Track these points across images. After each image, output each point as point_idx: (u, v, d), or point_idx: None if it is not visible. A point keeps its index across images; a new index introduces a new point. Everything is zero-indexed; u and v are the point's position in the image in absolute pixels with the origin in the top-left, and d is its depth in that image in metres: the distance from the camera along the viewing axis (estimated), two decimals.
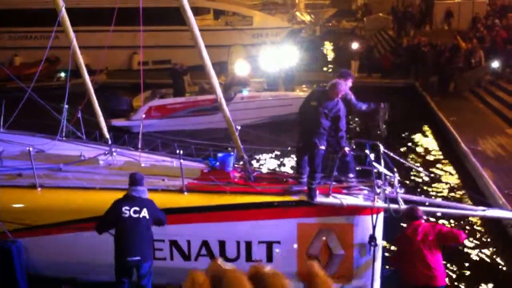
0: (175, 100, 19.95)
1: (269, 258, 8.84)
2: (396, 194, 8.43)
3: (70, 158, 10.34)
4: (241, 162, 9.46)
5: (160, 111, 19.35)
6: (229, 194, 8.84)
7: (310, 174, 8.55)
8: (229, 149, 10.02)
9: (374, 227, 8.36)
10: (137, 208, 7.94)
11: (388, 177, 8.47)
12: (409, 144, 18.59)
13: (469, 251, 10.99)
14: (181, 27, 25.78)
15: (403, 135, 19.35)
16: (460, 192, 14.19)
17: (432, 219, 10.84)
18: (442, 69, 23.93)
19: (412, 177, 14.76)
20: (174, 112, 19.49)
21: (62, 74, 26.25)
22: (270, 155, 16.87)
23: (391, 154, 8.53)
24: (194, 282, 5.67)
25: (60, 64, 26.82)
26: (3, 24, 31.42)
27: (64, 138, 11.36)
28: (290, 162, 16.18)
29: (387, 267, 9.15)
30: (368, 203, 8.44)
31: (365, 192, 8.76)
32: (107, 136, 11.14)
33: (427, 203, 9.05)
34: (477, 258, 10.81)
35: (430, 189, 14.25)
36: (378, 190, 8.40)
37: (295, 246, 8.77)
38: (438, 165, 16.48)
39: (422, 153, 17.77)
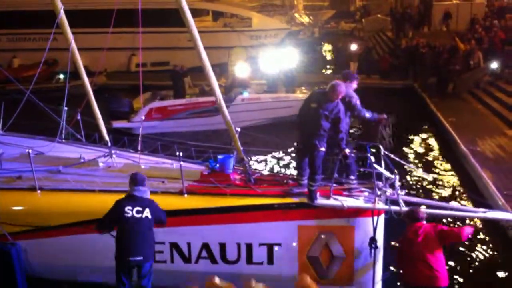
0: (176, 102, 19.94)
1: (270, 261, 8.84)
2: (397, 195, 8.40)
3: (70, 160, 10.33)
4: (241, 164, 9.42)
5: (161, 113, 19.34)
6: (229, 196, 8.81)
7: (311, 176, 8.52)
8: (231, 151, 9.98)
9: (375, 229, 8.33)
10: (139, 208, 7.94)
11: (389, 178, 8.45)
12: (408, 145, 18.57)
13: (469, 252, 10.97)
14: (179, 29, 25.90)
15: (402, 136, 19.32)
16: (460, 193, 14.17)
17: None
18: (440, 70, 23.94)
19: (412, 179, 14.75)
20: (175, 114, 19.47)
21: (61, 76, 26.23)
22: (270, 157, 16.85)
23: (392, 155, 8.51)
24: None
25: (58, 66, 26.82)
26: (1, 25, 31.36)
27: (63, 140, 11.35)
28: (290, 164, 16.18)
29: (392, 269, 9.09)
30: (369, 205, 8.41)
31: (366, 194, 8.72)
32: (107, 138, 11.12)
33: (428, 205, 9.03)
34: (477, 260, 10.80)
35: (429, 190, 14.23)
36: (379, 192, 8.37)
37: (296, 248, 8.74)
38: (437, 166, 16.47)
39: (421, 154, 17.76)
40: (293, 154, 15.08)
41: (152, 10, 26.38)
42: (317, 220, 8.65)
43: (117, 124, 18.15)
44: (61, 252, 9.09)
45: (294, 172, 10.25)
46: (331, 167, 8.63)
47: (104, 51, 14.31)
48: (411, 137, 19.57)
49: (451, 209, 9.10)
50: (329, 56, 41.46)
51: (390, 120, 9.09)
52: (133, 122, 18.23)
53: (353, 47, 29.65)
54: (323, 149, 8.39)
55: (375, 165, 8.28)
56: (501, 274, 10.30)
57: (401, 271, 8.31)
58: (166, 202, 8.69)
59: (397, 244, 8.62)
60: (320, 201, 8.50)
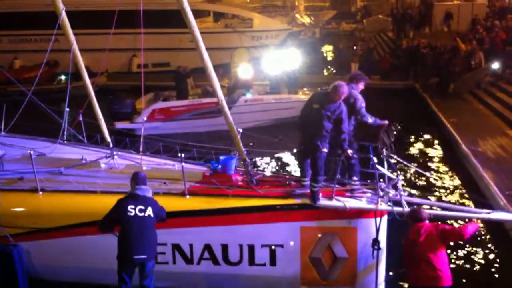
0: (179, 103, 19.91)
1: (272, 262, 8.81)
2: (399, 197, 8.38)
3: (72, 161, 10.32)
4: (243, 165, 9.40)
5: (164, 114, 19.32)
6: (231, 198, 8.78)
7: (313, 177, 8.50)
8: (232, 152, 9.96)
9: (377, 231, 8.31)
10: (142, 207, 7.93)
11: (391, 179, 8.43)
12: (410, 146, 18.56)
13: (471, 252, 10.97)
14: (180, 30, 25.91)
15: (403, 137, 19.30)
16: (461, 194, 14.16)
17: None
18: (441, 70, 23.92)
19: (414, 179, 14.73)
20: (178, 115, 19.45)
21: (63, 77, 26.21)
22: (272, 158, 16.84)
23: (394, 156, 8.50)
24: None
25: (59, 67, 26.82)
26: (2, 27, 31.37)
27: (65, 142, 11.35)
28: (292, 165, 16.16)
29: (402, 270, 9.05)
30: (372, 206, 8.38)
31: (369, 195, 8.71)
32: (109, 139, 11.11)
33: (431, 206, 9.01)
34: (479, 259, 10.78)
35: (430, 191, 14.21)
36: (381, 193, 8.36)
37: (298, 249, 8.71)
38: (439, 167, 16.46)
39: (423, 155, 17.74)
40: (295, 155, 15.05)
41: (153, 11, 26.38)
42: (320, 221, 8.62)
43: (120, 125, 18.13)
44: (63, 253, 9.07)
45: (297, 173, 10.24)
46: (334, 168, 8.61)
47: (106, 52, 14.30)
48: (412, 137, 19.55)
49: (455, 210, 9.06)
50: (330, 57, 41.43)
51: (393, 127, 9.05)
52: (136, 123, 18.20)
53: (354, 47, 29.66)
54: (325, 150, 8.36)
55: (378, 166, 8.26)
56: (503, 274, 10.28)
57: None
58: (168, 203, 8.65)
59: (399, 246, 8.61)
60: (323, 202, 8.48)
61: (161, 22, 27.87)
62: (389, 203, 8.38)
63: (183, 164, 8.83)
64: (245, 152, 9.32)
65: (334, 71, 32.76)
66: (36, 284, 9.23)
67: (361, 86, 9.23)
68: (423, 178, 14.75)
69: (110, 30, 11.20)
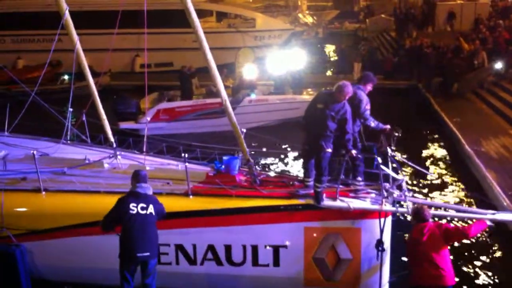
0: (184, 103, 19.90)
1: (276, 263, 8.79)
2: (404, 197, 8.35)
3: (75, 161, 10.33)
4: (247, 165, 9.38)
5: (168, 114, 19.31)
6: (234, 198, 8.75)
7: (317, 178, 8.46)
8: (236, 152, 9.94)
9: (381, 231, 8.27)
10: (144, 205, 7.95)
11: (396, 180, 8.40)
12: (412, 145, 18.49)
13: (473, 253, 10.95)
14: (183, 30, 25.89)
15: (406, 136, 19.25)
16: (464, 194, 14.13)
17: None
18: (444, 70, 23.88)
19: (416, 179, 14.69)
20: (182, 115, 19.44)
21: (66, 77, 26.25)
22: (276, 158, 16.82)
23: (399, 157, 8.46)
24: None
25: (62, 67, 26.85)
26: (6, 27, 31.41)
27: (68, 142, 11.34)
28: (296, 165, 16.14)
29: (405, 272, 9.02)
30: (376, 207, 8.35)
31: (373, 195, 8.67)
32: (112, 139, 11.11)
33: (436, 206, 8.97)
34: (481, 260, 10.75)
35: (433, 191, 14.18)
36: (386, 194, 8.33)
37: (302, 250, 8.68)
38: (442, 167, 16.44)
39: (426, 155, 17.71)
40: (299, 156, 15.03)
41: (156, 11, 26.37)
42: (323, 221, 8.59)
43: (125, 125, 18.14)
44: (66, 253, 9.06)
45: (300, 174, 10.21)
46: (338, 168, 8.57)
47: (109, 52, 14.32)
48: (415, 137, 19.51)
49: (460, 210, 9.05)
50: (333, 57, 41.38)
51: (395, 132, 9.01)
52: (140, 123, 18.21)
53: (357, 47, 29.62)
54: (329, 150, 8.33)
55: (382, 167, 8.22)
56: (506, 274, 10.26)
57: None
58: (171, 204, 8.66)
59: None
60: (327, 202, 8.44)
61: (163, 22, 27.84)
62: (393, 204, 8.36)
63: (187, 164, 8.81)
64: (249, 152, 9.30)
65: (336, 72, 32.68)
66: (39, 285, 9.22)
67: (369, 87, 9.19)
68: (426, 178, 14.71)
69: (114, 30, 11.20)
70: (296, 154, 16.39)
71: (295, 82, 22.74)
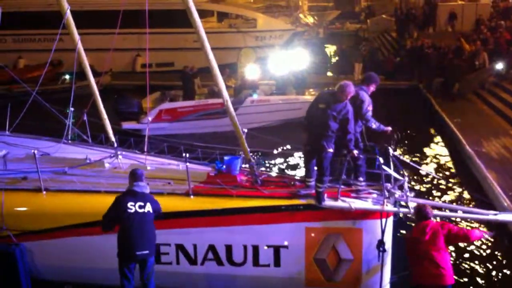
0: (186, 104, 19.88)
1: (277, 263, 8.77)
2: (406, 197, 8.34)
3: (76, 161, 10.31)
4: (248, 165, 9.36)
5: (170, 114, 19.29)
6: (235, 198, 8.74)
7: (318, 178, 8.46)
8: (238, 152, 9.92)
9: (383, 232, 8.27)
10: (141, 203, 8.00)
11: (397, 180, 8.39)
12: (413, 146, 18.50)
13: (473, 253, 10.94)
14: (184, 30, 25.88)
15: (407, 137, 19.27)
16: (465, 194, 14.11)
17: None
18: (445, 71, 23.87)
19: (417, 180, 14.67)
20: (184, 116, 19.41)
21: (67, 77, 26.26)
22: (277, 158, 16.81)
23: (400, 157, 8.45)
24: None
25: (63, 67, 26.86)
26: (7, 26, 31.35)
27: (69, 141, 11.33)
28: (297, 165, 16.12)
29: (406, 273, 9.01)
30: (377, 207, 8.34)
31: (374, 195, 8.66)
32: (113, 139, 11.10)
33: (438, 207, 8.95)
34: (481, 260, 10.74)
35: (433, 191, 14.17)
36: (387, 194, 8.32)
37: (303, 250, 8.67)
38: (442, 167, 16.44)
39: (426, 155, 17.70)
40: (301, 156, 15.03)
41: (157, 11, 26.37)
42: (325, 222, 8.58)
43: (127, 125, 18.13)
44: (66, 253, 9.05)
45: (302, 174, 10.19)
46: (339, 168, 8.56)
47: (111, 52, 14.31)
48: (415, 137, 19.51)
49: (462, 211, 9.03)
50: (334, 57, 41.37)
51: (395, 135, 9.00)
52: (142, 123, 18.19)
53: (358, 48, 29.61)
54: (331, 150, 8.32)
55: (384, 167, 8.21)
56: (505, 274, 10.26)
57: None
58: (172, 204, 8.67)
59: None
60: (328, 202, 8.44)
61: (165, 22, 27.87)
62: (395, 204, 8.35)
63: (188, 164, 8.80)
64: (250, 152, 9.29)
65: (337, 72, 32.66)
66: (39, 284, 9.20)
67: (372, 88, 9.15)
68: (426, 179, 14.70)
69: (115, 30, 11.19)
70: (298, 154, 16.38)
71: (298, 82, 22.71)
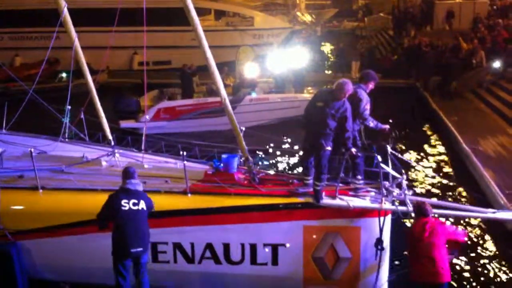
0: (184, 102, 19.84)
1: (274, 261, 8.76)
2: (404, 196, 8.33)
3: (73, 159, 10.27)
4: (246, 164, 9.34)
5: (169, 113, 19.25)
6: (233, 196, 8.73)
7: (316, 176, 8.43)
8: (237, 151, 9.90)
9: (381, 230, 8.26)
10: (135, 201, 8.01)
11: (396, 178, 8.37)
12: (411, 144, 18.50)
13: (471, 252, 10.95)
14: (182, 28, 25.81)
15: (404, 135, 19.27)
16: (461, 192, 14.11)
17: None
18: (443, 69, 23.88)
19: (414, 178, 14.68)
20: (183, 114, 19.37)
21: (64, 75, 26.20)
22: (275, 156, 16.79)
23: (399, 155, 8.43)
24: None
25: (60, 65, 26.78)
26: (3, 24, 31.31)
27: (66, 140, 11.28)
28: (296, 163, 16.11)
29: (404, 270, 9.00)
30: (376, 205, 8.33)
31: (372, 194, 8.65)
32: (110, 137, 11.07)
33: (437, 205, 8.94)
34: (479, 259, 10.75)
35: (431, 189, 14.18)
36: (385, 192, 8.30)
37: (301, 249, 8.66)
38: (439, 165, 16.45)
39: (424, 153, 17.70)
40: (299, 154, 15.02)
41: (154, 9, 26.28)
42: (323, 220, 8.56)
43: (125, 124, 18.09)
44: (63, 252, 9.02)
45: (300, 172, 10.17)
46: (337, 166, 8.54)
47: (108, 50, 14.26)
48: (413, 136, 19.51)
49: (460, 209, 9.02)
50: (331, 56, 41.35)
51: (393, 133, 8.98)
52: (141, 122, 18.14)
53: (355, 46, 29.59)
54: (329, 148, 8.30)
55: (382, 165, 8.19)
56: (503, 273, 10.26)
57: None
58: (170, 202, 8.66)
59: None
60: (326, 201, 8.42)
61: (162, 20, 27.81)
62: (393, 203, 8.33)
63: (185, 162, 8.77)
64: (248, 150, 9.26)
65: (334, 70, 32.65)
66: (35, 283, 9.17)
67: (371, 86, 9.13)
68: (424, 177, 14.69)
69: (112, 28, 11.15)
70: (296, 152, 16.37)
71: (297, 81, 22.68)
